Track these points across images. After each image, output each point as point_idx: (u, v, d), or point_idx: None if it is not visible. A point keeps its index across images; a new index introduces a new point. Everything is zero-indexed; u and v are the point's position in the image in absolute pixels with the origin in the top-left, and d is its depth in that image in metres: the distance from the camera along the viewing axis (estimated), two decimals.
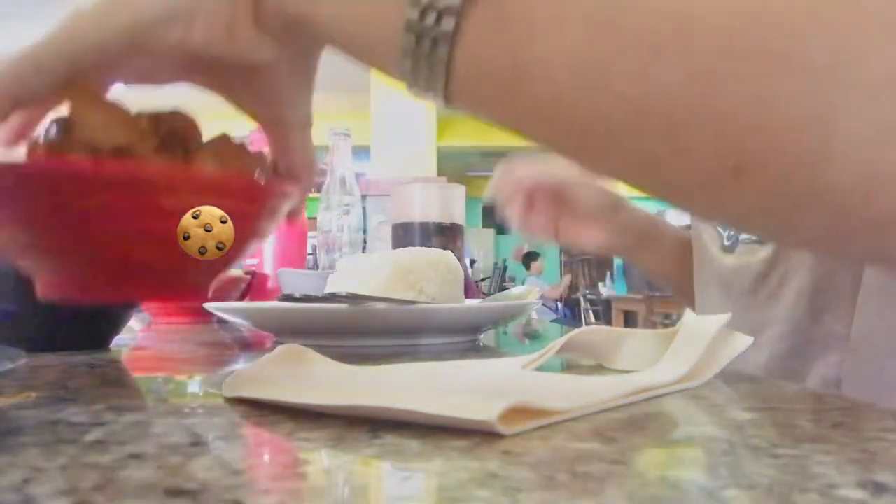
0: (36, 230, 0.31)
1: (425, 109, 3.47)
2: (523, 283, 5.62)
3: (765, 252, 0.49)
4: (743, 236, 0.52)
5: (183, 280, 0.34)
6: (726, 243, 0.54)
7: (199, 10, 0.29)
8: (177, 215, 0.31)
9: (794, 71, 0.19)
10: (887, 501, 0.14)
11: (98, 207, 0.29)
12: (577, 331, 0.35)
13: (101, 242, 0.31)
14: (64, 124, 0.32)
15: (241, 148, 0.36)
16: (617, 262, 5.06)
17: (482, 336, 0.54)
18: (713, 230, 0.56)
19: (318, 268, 1.00)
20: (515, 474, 0.15)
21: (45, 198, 0.29)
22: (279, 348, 0.31)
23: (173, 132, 0.34)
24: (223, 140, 0.36)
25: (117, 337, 0.46)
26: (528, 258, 5.91)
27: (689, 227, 0.64)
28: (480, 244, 6.56)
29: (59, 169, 0.30)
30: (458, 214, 0.82)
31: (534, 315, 0.89)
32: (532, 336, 0.67)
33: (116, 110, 0.33)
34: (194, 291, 0.36)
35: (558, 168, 0.62)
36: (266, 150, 0.38)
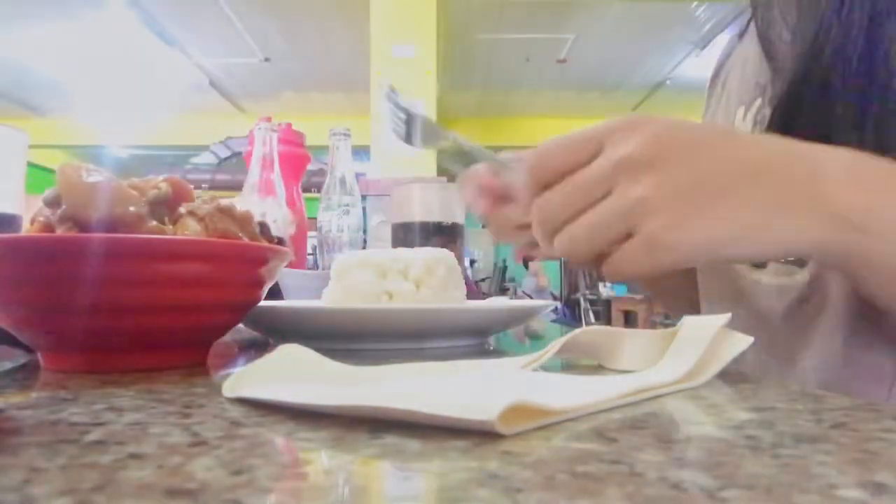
0: (32, 301, 0.31)
1: (425, 109, 3.47)
2: (523, 283, 5.60)
3: (802, 275, 0.45)
4: None
5: (181, 345, 0.35)
6: None
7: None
8: (164, 281, 0.31)
9: None
10: (887, 501, 0.14)
11: (84, 277, 0.30)
12: (577, 331, 0.35)
13: (91, 312, 0.31)
14: (54, 201, 0.33)
15: (227, 210, 0.37)
16: None
17: (491, 339, 0.54)
18: None
19: (318, 268, 1.00)
20: (515, 474, 0.15)
21: (37, 269, 0.30)
22: (279, 348, 0.31)
23: (159, 199, 0.35)
24: (209, 203, 0.36)
25: None
26: (527, 257, 5.92)
27: None
28: (480, 244, 6.57)
29: (44, 242, 0.31)
30: (458, 214, 0.82)
31: None
32: (532, 336, 0.67)
33: (102, 184, 0.33)
34: (193, 355, 0.37)
35: None
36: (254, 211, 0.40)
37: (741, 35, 0.60)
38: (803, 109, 0.41)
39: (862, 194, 0.33)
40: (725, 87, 0.60)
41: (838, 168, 0.33)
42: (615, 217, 0.33)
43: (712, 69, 0.65)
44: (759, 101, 0.52)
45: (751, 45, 0.55)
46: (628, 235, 0.33)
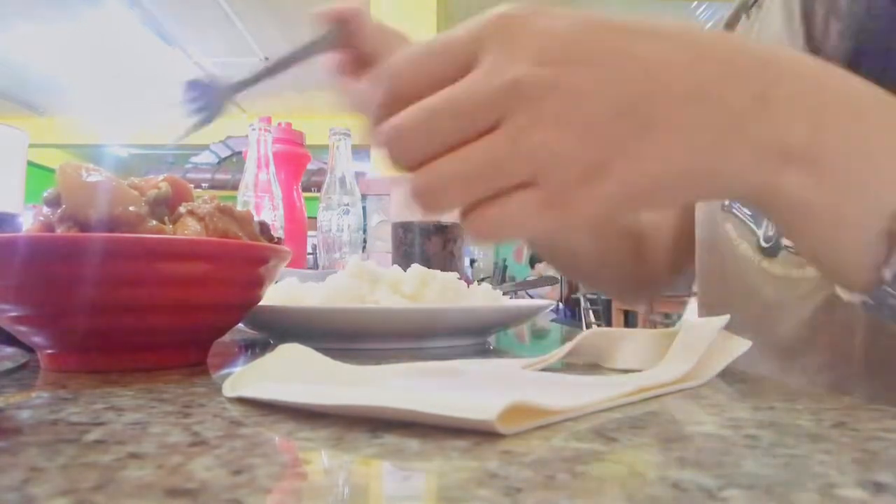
0: (32, 301, 0.31)
1: None
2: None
3: (813, 269, 0.41)
4: (784, 240, 0.44)
5: (181, 345, 0.35)
6: (764, 244, 0.45)
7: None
8: (164, 281, 0.31)
9: None
10: (887, 501, 0.14)
11: (84, 276, 0.30)
12: (579, 337, 0.35)
13: (91, 312, 0.31)
14: (54, 200, 0.33)
15: (227, 210, 0.37)
16: None
17: (491, 339, 0.54)
18: (741, 223, 0.47)
19: (318, 268, 1.00)
20: (515, 474, 0.15)
21: (36, 269, 0.30)
22: (279, 348, 0.31)
23: (159, 199, 0.35)
24: (209, 203, 0.36)
25: None
26: (533, 260, 5.93)
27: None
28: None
29: (46, 241, 0.31)
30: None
31: None
32: (533, 336, 0.67)
33: (102, 184, 0.33)
34: (193, 355, 0.37)
35: None
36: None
37: (749, 7, 0.59)
38: None
39: (814, 130, 0.26)
40: None
41: (789, 89, 0.26)
42: (513, 162, 0.24)
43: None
44: None
45: (769, 18, 0.54)
46: (521, 185, 0.25)
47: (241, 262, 0.35)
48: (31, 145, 0.50)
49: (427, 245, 0.73)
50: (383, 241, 1.02)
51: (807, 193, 0.26)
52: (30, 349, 0.35)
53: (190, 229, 0.35)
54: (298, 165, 1.14)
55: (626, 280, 0.61)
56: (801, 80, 0.27)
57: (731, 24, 0.62)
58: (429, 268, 0.51)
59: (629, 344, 0.35)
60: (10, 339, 0.35)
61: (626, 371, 0.34)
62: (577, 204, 0.24)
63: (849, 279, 0.28)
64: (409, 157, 0.26)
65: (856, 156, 0.26)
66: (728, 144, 0.25)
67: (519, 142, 0.24)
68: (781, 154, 0.26)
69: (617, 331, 0.36)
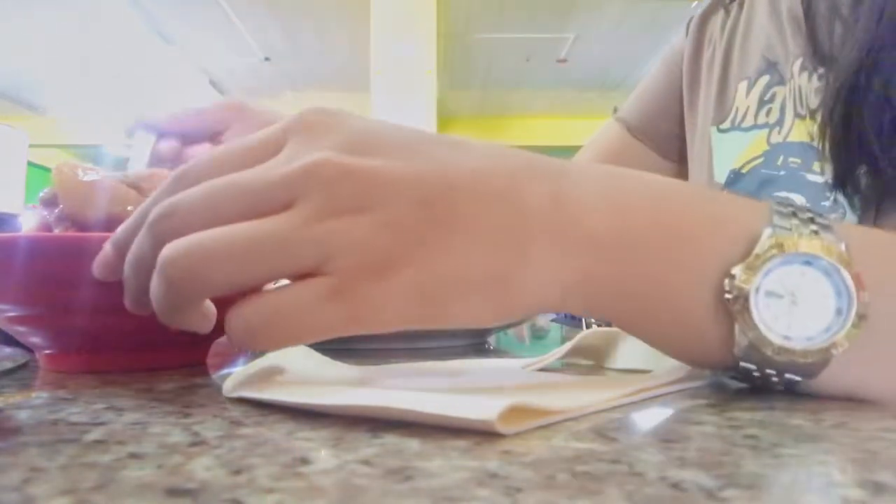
0: (31, 301, 0.31)
1: (425, 109, 3.47)
2: None
3: None
4: None
5: (181, 345, 0.35)
6: None
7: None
8: None
9: None
10: (887, 501, 0.14)
11: (84, 276, 0.30)
12: (578, 336, 0.35)
13: (91, 312, 0.31)
14: (51, 200, 0.33)
15: None
16: None
17: (491, 339, 0.54)
18: None
19: None
20: (515, 474, 0.15)
21: (35, 269, 0.30)
22: None
23: None
24: None
25: None
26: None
27: None
28: None
29: (41, 241, 0.31)
30: None
31: None
32: (533, 336, 0.67)
33: (99, 184, 0.33)
34: (193, 355, 0.37)
35: None
36: None
37: (728, 3, 0.59)
38: (868, 100, 0.38)
39: (616, 216, 0.25)
40: (715, 56, 0.58)
41: (587, 187, 0.26)
42: (299, 244, 0.22)
43: (691, 29, 0.62)
44: (766, 78, 0.51)
45: (755, 17, 0.54)
46: (308, 274, 0.22)
47: None
48: (31, 145, 0.50)
49: None
50: None
51: (627, 277, 0.25)
52: (30, 349, 0.35)
53: None
54: None
55: None
56: (596, 177, 0.27)
57: (706, 15, 0.62)
58: None
59: (629, 344, 0.35)
60: (10, 339, 0.35)
61: (626, 371, 0.34)
62: (369, 297, 0.22)
63: (706, 360, 0.27)
64: (178, 224, 0.23)
65: (666, 233, 0.26)
66: (529, 240, 0.24)
67: (309, 223, 0.22)
68: (586, 242, 0.25)
69: (617, 331, 0.36)
